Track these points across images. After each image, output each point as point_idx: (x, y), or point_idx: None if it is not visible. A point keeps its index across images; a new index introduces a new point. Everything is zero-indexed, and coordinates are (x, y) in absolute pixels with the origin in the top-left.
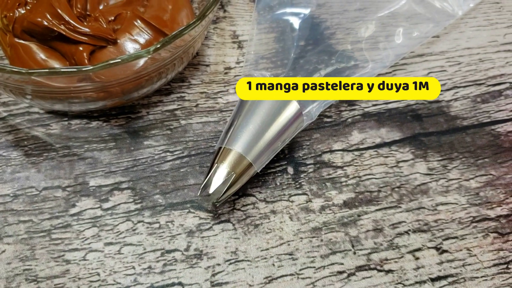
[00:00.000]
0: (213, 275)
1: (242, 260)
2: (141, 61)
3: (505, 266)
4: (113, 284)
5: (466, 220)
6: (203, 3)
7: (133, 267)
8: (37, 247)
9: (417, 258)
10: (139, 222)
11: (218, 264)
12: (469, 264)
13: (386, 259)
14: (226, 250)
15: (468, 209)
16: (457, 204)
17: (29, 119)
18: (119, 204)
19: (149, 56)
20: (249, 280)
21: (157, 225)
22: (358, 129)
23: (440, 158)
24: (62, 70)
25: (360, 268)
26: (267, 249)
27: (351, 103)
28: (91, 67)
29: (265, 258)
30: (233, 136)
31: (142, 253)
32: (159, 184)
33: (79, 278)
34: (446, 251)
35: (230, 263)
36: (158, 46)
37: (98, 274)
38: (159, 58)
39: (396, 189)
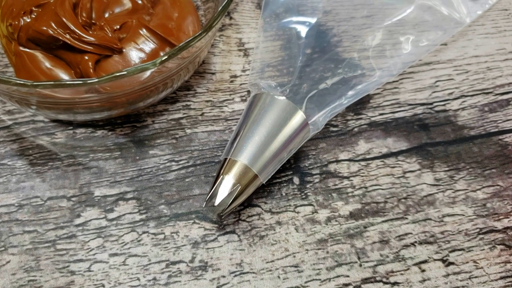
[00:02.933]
0: (218, 287)
1: (247, 272)
2: (147, 73)
3: None
4: None
5: (472, 232)
6: (208, 10)
7: (138, 279)
8: (42, 258)
9: (423, 271)
10: (144, 233)
11: (223, 276)
12: (476, 277)
13: (392, 271)
14: (231, 262)
15: (475, 221)
16: (463, 215)
17: (34, 127)
18: (124, 215)
19: (156, 68)
20: None
21: (162, 236)
22: (365, 138)
23: (447, 169)
24: (67, 82)
25: (366, 281)
26: (273, 261)
27: (357, 112)
28: (97, 80)
29: (271, 270)
30: (239, 147)
31: (147, 264)
32: (164, 194)
33: None
34: (452, 263)
35: (235, 275)
36: (165, 58)
37: (103, 286)
38: (165, 70)
39: (403, 200)
